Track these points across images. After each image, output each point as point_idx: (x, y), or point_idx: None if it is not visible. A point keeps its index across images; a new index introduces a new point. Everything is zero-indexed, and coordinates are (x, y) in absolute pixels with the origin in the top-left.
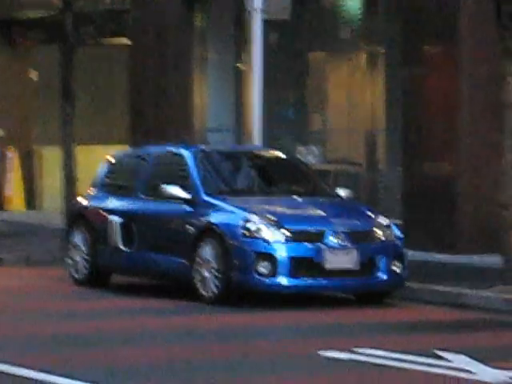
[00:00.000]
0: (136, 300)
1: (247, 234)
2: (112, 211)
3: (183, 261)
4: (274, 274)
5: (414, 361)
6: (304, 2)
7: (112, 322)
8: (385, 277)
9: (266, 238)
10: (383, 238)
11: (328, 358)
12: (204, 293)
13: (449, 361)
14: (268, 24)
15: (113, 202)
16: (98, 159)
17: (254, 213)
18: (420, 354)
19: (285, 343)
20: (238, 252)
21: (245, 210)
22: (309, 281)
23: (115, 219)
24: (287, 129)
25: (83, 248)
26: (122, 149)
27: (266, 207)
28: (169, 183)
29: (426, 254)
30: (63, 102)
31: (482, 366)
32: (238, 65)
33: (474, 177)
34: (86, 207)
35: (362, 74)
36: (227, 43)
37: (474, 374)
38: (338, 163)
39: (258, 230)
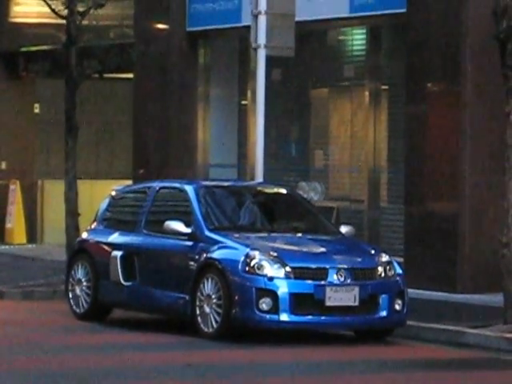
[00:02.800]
0: (137, 335)
1: (249, 270)
2: (114, 246)
3: (184, 296)
4: (275, 310)
5: None
6: (308, 38)
7: (112, 357)
8: (385, 314)
9: (268, 274)
10: (384, 276)
11: None
12: (205, 328)
13: None
14: (271, 60)
15: (115, 237)
16: (100, 193)
17: (256, 249)
18: None
19: (285, 380)
20: (240, 288)
21: (247, 246)
22: (310, 317)
23: (117, 254)
24: (289, 165)
25: (84, 282)
26: (125, 183)
27: (268, 243)
28: (171, 218)
29: (427, 292)
30: (66, 135)
31: None
32: (241, 101)
33: (476, 216)
34: (87, 241)
35: (365, 111)
36: (231, 79)
37: None
38: (340, 200)
39: (260, 266)
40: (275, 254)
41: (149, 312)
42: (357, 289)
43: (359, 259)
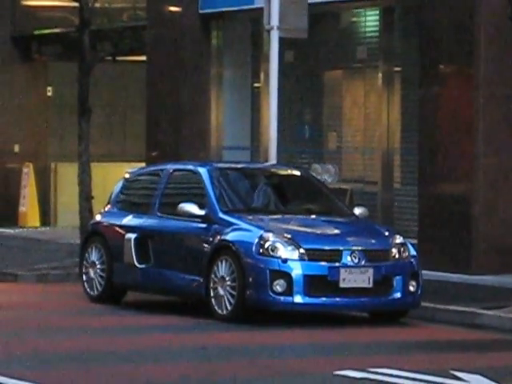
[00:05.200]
0: (150, 317)
1: (263, 251)
2: (127, 228)
3: (198, 278)
4: (289, 292)
5: (430, 381)
6: (321, 20)
7: (126, 339)
8: (400, 296)
9: (282, 256)
10: (398, 257)
11: (343, 377)
12: (219, 310)
13: (465, 381)
14: (284, 42)
15: (128, 219)
16: (113, 176)
17: (270, 231)
18: (436, 374)
19: (299, 362)
20: (254, 270)
21: (261, 227)
22: (324, 299)
23: (131, 236)
24: (303, 147)
25: (98, 265)
26: (138, 166)
27: (282, 225)
28: (185, 201)
29: (441, 273)
30: (79, 118)
31: None
32: (254, 83)
33: (489, 196)
34: (101, 224)
35: (378, 93)
36: (243, 61)
37: None
38: (354, 182)
39: (274, 248)
40: (289, 236)
41: (163, 294)
42: (371, 270)
43: (373, 241)
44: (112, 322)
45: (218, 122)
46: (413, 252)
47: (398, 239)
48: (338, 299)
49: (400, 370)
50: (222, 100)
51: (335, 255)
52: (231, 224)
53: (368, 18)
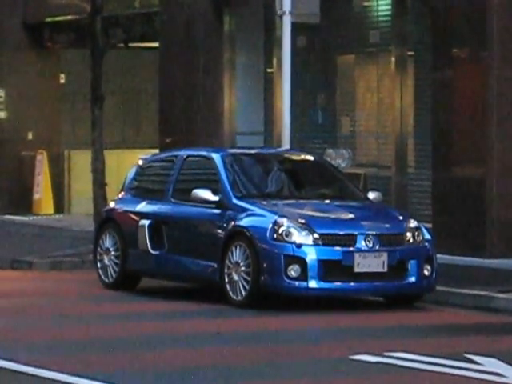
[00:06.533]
0: (165, 303)
1: (277, 237)
2: (141, 214)
3: (213, 264)
4: (303, 277)
5: (445, 364)
6: (333, 5)
7: (141, 326)
8: (414, 280)
9: (296, 241)
10: (413, 241)
11: (358, 362)
12: (233, 296)
13: (480, 364)
14: (297, 27)
15: (142, 206)
16: (127, 163)
17: (284, 216)
18: (451, 358)
19: (314, 347)
20: (268, 255)
21: (275, 213)
22: (338, 284)
23: (145, 222)
24: (316, 132)
25: (112, 251)
26: (152, 152)
27: (296, 210)
28: (198, 187)
29: (455, 257)
30: (92, 105)
31: None
32: (267, 69)
33: (503, 180)
34: (115, 210)
35: (391, 77)
36: (256, 47)
37: (505, 377)
38: (368, 166)
39: (288, 233)
40: (303, 221)
41: (177, 280)
42: (385, 255)
43: (387, 225)
44: (127, 309)
45: (230, 107)
46: (427, 236)
47: (413, 223)
48: (352, 284)
49: (415, 353)
50: (234, 85)
51: (349, 240)
52: (245, 209)
53: (380, 2)
